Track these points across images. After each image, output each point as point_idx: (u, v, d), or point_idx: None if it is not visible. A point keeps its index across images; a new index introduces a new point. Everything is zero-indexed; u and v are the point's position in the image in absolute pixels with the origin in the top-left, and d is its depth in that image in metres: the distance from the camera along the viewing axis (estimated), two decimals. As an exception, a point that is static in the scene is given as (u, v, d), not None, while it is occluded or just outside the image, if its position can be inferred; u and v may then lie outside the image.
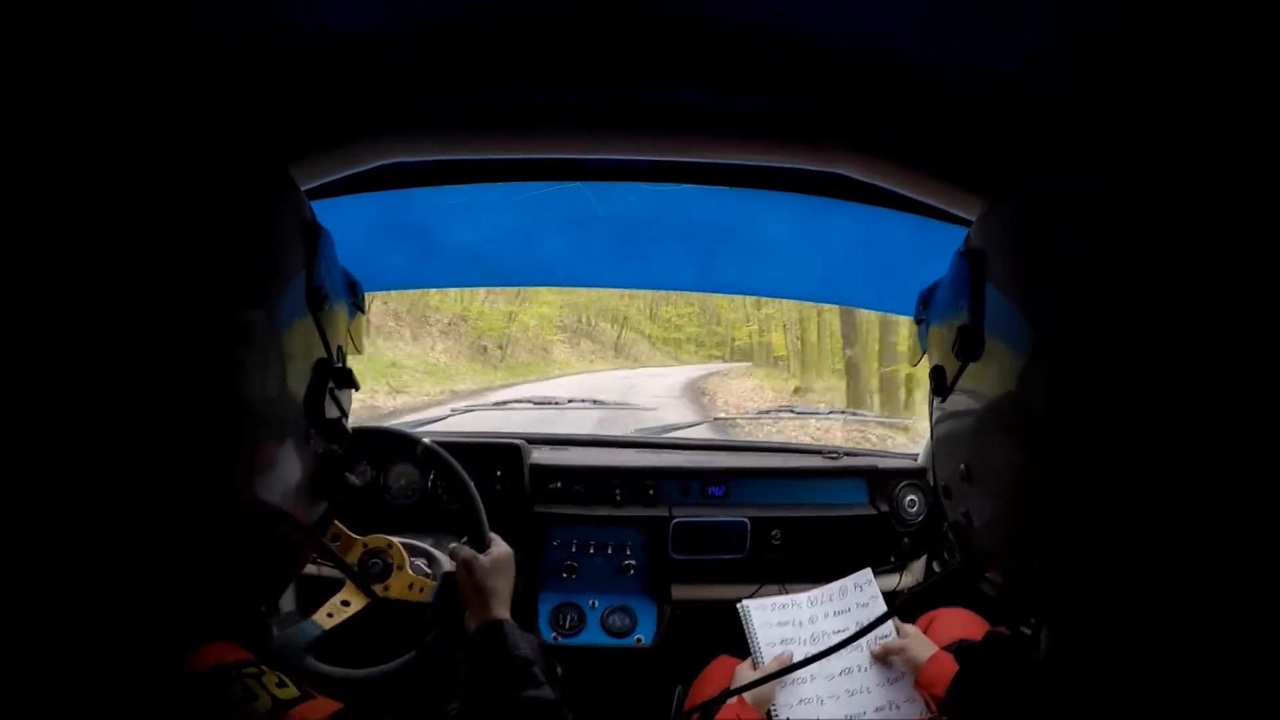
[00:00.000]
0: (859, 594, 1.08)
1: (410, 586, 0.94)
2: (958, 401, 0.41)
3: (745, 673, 0.97)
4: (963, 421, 0.41)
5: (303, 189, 0.83)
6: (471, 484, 1.00)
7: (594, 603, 1.34)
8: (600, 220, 1.17)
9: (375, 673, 0.88)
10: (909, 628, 0.99)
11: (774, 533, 1.36)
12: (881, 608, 1.04)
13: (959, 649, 0.88)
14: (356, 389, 0.50)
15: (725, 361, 23.06)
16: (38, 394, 0.33)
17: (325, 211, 0.99)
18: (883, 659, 0.96)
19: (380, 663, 0.89)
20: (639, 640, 1.31)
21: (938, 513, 1.36)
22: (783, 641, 1.02)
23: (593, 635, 1.31)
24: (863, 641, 0.97)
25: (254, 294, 0.39)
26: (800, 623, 1.05)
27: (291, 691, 0.40)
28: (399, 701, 0.89)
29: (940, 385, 0.43)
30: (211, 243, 0.37)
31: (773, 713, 0.91)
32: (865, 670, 0.96)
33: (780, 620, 1.05)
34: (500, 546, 0.90)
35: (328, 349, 0.47)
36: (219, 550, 0.41)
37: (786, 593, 1.19)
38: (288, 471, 0.43)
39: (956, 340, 0.39)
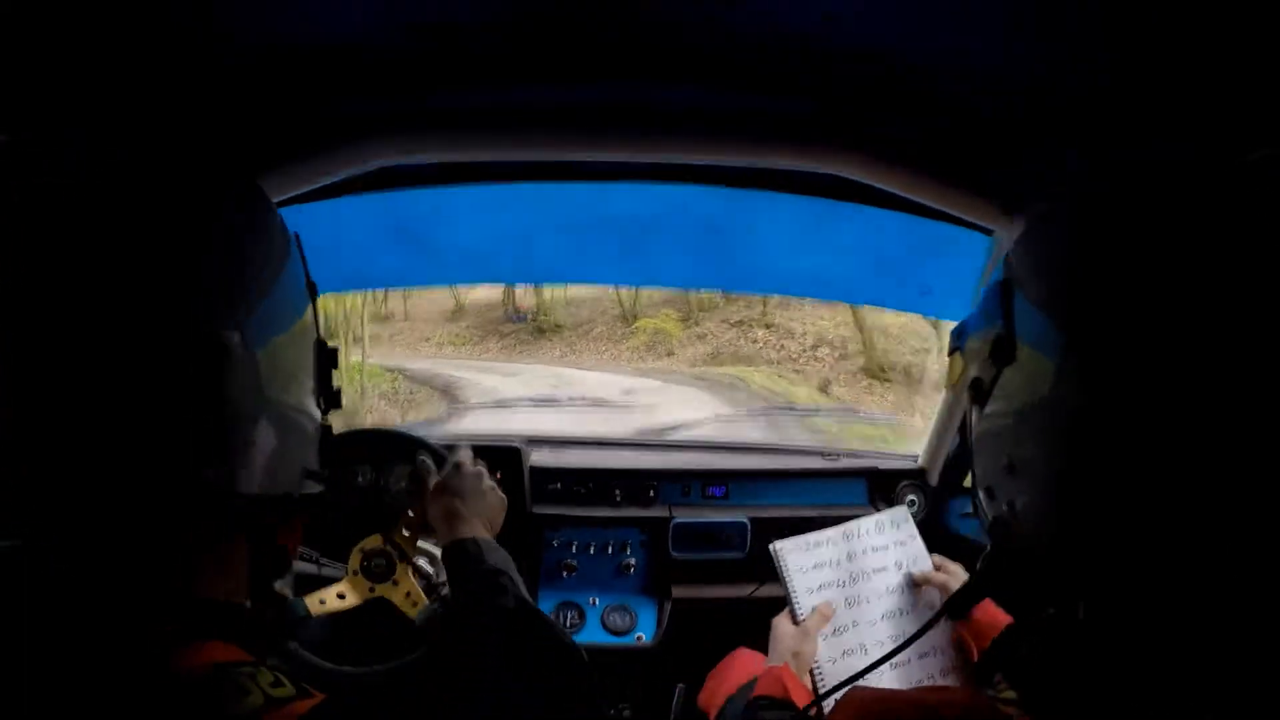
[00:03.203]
0: (896, 531, 1.03)
1: (407, 595, 0.93)
2: (996, 406, 0.46)
3: (785, 627, 0.91)
4: (1002, 422, 0.45)
5: (304, 190, 0.84)
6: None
7: (594, 600, 1.34)
8: (600, 220, 1.17)
9: (360, 673, 0.87)
10: (950, 565, 0.97)
11: (775, 533, 1.36)
12: (919, 545, 1.00)
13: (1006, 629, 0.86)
14: (336, 367, 0.57)
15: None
16: (29, 396, 0.36)
17: (326, 212, 1.00)
18: (922, 589, 0.94)
19: (378, 660, 0.89)
20: (639, 639, 1.31)
21: (937, 514, 1.36)
22: (820, 587, 0.96)
23: (593, 634, 1.31)
24: (903, 580, 0.96)
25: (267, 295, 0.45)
26: (838, 562, 0.99)
27: (288, 690, 0.39)
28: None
29: (979, 394, 0.48)
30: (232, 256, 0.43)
31: (815, 672, 0.87)
32: (907, 614, 0.94)
33: (815, 562, 0.99)
34: (465, 464, 0.84)
35: (319, 330, 0.54)
36: (212, 523, 0.44)
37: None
38: (293, 442, 0.48)
39: (991, 348, 0.45)
